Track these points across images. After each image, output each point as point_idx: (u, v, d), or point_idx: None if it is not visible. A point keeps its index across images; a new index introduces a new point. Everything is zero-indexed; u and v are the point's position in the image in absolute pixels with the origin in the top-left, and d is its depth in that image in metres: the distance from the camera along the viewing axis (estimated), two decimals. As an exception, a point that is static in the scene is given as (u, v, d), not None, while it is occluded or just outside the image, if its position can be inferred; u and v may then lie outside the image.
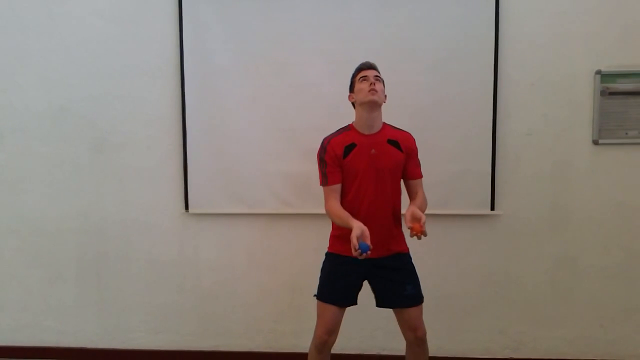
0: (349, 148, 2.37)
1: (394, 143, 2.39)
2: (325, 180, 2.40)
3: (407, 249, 2.47)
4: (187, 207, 3.20)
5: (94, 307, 3.33)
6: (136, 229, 3.26)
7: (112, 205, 3.26)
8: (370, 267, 2.41)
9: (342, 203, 2.41)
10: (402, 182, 2.49)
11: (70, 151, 3.24)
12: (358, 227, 2.12)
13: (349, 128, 2.45)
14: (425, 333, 2.43)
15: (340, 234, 2.43)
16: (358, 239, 2.09)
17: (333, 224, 2.49)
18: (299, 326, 3.24)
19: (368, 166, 2.35)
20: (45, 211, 3.28)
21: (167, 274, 3.28)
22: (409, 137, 2.44)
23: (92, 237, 3.28)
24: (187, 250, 3.26)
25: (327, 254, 2.51)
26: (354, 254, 2.08)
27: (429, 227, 3.02)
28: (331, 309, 2.41)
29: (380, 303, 2.46)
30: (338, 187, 2.38)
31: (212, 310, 3.29)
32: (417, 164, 2.47)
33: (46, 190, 3.27)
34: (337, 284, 2.43)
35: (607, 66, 3.00)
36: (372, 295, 2.48)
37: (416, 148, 2.46)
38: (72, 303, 3.34)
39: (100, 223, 3.27)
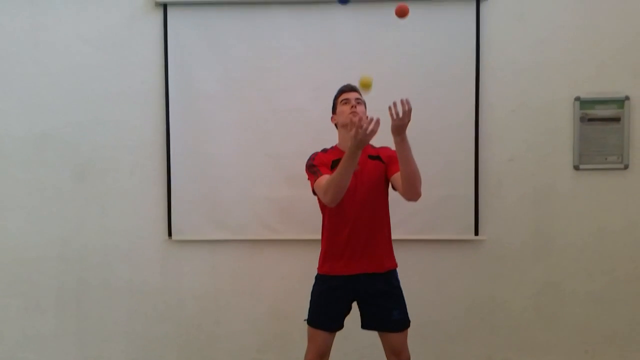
0: (336, 162, 2.39)
1: (375, 157, 2.44)
2: (318, 174, 2.35)
3: (396, 264, 2.48)
4: (170, 234, 3.17)
5: (74, 337, 3.25)
6: (118, 256, 3.20)
7: (94, 232, 3.21)
8: (359, 290, 2.40)
9: (328, 218, 2.42)
10: (391, 199, 2.48)
11: (51, 177, 3.20)
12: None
13: (333, 148, 2.52)
14: (409, 358, 2.42)
15: (328, 254, 2.43)
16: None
17: (322, 244, 2.48)
18: (284, 356, 3.18)
19: (353, 182, 2.35)
20: (25, 238, 3.22)
21: (149, 303, 3.22)
22: (388, 148, 2.47)
23: (73, 264, 3.22)
24: (169, 278, 3.21)
25: (316, 277, 2.50)
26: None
27: (413, 253, 3.05)
28: (322, 334, 2.41)
29: (365, 326, 2.46)
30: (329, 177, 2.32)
31: (195, 339, 3.22)
32: None
33: (26, 217, 3.22)
34: (328, 308, 2.43)
35: (586, 93, 3.07)
36: (359, 323, 2.46)
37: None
38: (51, 333, 3.25)
39: (81, 250, 3.22)
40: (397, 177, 2.32)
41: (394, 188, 2.42)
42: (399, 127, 2.11)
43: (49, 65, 3.19)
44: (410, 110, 2.08)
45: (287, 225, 3.14)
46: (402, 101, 2.07)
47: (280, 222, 3.14)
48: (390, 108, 2.08)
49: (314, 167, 2.41)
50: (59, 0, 3.16)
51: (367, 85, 2.16)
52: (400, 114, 2.08)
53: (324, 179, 2.31)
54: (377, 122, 2.08)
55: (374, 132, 2.09)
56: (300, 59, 3.10)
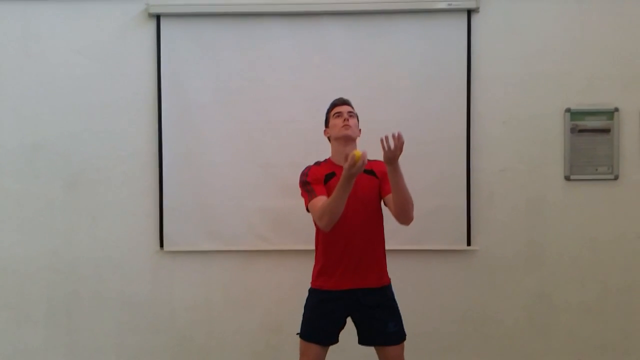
0: (329, 176, 2.42)
1: (369, 172, 2.43)
2: (312, 194, 2.36)
3: (389, 280, 2.48)
4: (162, 245, 3.15)
5: (64, 349, 3.21)
6: (109, 267, 3.18)
7: (85, 243, 3.18)
8: (353, 304, 2.39)
9: (322, 234, 2.41)
10: (383, 210, 2.47)
11: (43, 188, 3.18)
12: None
13: (327, 161, 2.52)
14: None
15: (322, 269, 2.42)
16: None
17: (316, 258, 2.48)
18: (276, 366, 3.17)
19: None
20: (15, 249, 3.19)
21: (141, 314, 3.19)
22: (382, 163, 2.45)
23: (63, 276, 3.19)
24: (161, 290, 3.19)
25: (310, 291, 2.48)
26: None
27: (405, 263, 3.05)
28: (315, 348, 2.39)
29: (362, 341, 2.44)
30: (325, 198, 2.32)
31: (187, 351, 3.19)
32: None
33: (17, 228, 3.19)
34: (321, 322, 2.41)
35: (576, 104, 3.10)
36: (353, 336, 2.45)
37: None
38: (41, 346, 3.21)
39: (72, 261, 3.19)
40: (390, 197, 2.35)
41: (385, 204, 2.44)
42: (391, 159, 2.16)
43: (42, 76, 3.18)
44: (402, 143, 2.12)
45: (280, 236, 3.13)
46: (393, 135, 2.11)
47: (273, 232, 3.13)
48: (382, 140, 2.13)
49: (308, 185, 2.40)
50: (52, 11, 3.17)
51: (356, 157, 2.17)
52: (392, 147, 2.12)
53: (319, 201, 2.31)
54: (365, 154, 2.11)
55: (365, 163, 2.12)
56: (294, 69, 3.12)
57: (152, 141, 3.16)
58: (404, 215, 2.32)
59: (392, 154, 2.14)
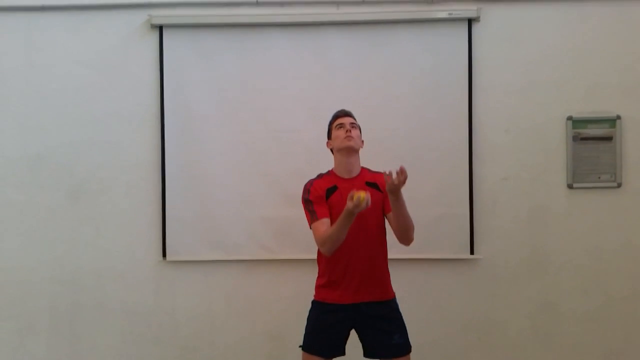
0: (331, 190, 2.41)
1: (373, 185, 2.43)
2: (314, 216, 2.37)
3: (394, 294, 2.47)
4: (164, 255, 3.15)
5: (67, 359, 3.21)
6: (112, 277, 3.18)
7: (88, 254, 3.18)
8: (357, 316, 2.38)
9: None
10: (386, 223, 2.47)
11: (45, 199, 3.18)
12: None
13: (329, 173, 2.50)
14: None
15: (325, 283, 2.41)
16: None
17: (319, 271, 2.47)
18: (279, 377, 3.15)
19: None
20: (18, 260, 3.19)
21: (143, 324, 3.18)
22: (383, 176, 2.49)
23: (66, 286, 3.19)
24: (164, 300, 3.18)
25: (313, 303, 2.47)
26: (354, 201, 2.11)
27: (408, 272, 3.05)
28: None
29: (367, 353, 2.43)
30: (327, 221, 2.35)
31: (190, 361, 3.19)
32: None
33: (19, 239, 3.19)
34: (324, 334, 2.39)
35: (578, 112, 3.10)
36: (358, 348, 2.43)
37: None
38: (44, 356, 3.20)
39: (75, 272, 3.19)
40: (391, 216, 2.38)
41: (387, 220, 2.44)
42: (394, 191, 2.18)
43: (45, 86, 3.19)
44: (405, 177, 2.14)
45: (282, 245, 3.13)
46: (397, 172, 2.14)
47: (275, 242, 3.13)
48: (385, 174, 2.16)
49: (310, 205, 2.40)
50: (55, 22, 3.18)
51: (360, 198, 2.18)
52: (396, 181, 2.14)
53: (321, 225, 2.32)
54: (369, 197, 2.14)
55: (369, 204, 2.14)
56: (295, 80, 3.13)
57: (154, 151, 3.17)
58: (405, 238, 2.37)
59: (395, 188, 2.16)
